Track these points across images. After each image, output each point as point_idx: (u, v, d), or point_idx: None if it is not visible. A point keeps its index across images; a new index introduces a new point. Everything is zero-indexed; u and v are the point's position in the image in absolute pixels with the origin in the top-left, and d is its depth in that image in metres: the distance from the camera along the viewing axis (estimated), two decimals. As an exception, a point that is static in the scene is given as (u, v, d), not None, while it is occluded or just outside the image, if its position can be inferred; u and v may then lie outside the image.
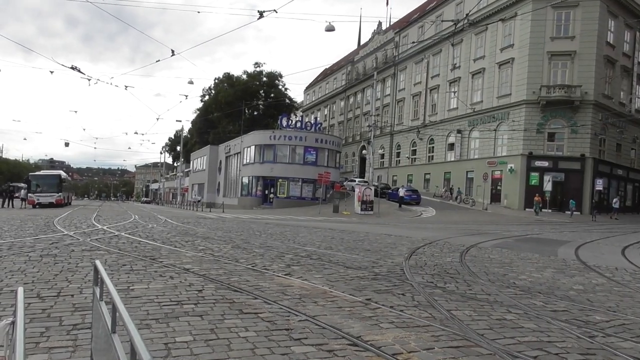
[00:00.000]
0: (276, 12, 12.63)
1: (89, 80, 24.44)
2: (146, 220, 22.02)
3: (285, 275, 7.87)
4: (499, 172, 41.02)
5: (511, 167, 39.31)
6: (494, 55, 42.82)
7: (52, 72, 50.81)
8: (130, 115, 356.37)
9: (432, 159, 51.03)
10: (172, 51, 17.23)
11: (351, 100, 70.27)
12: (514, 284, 8.13)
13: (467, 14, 31.98)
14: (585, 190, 37.80)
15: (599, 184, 37.31)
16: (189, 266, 8.30)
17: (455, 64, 45.93)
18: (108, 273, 7.17)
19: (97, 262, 2.77)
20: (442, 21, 45.50)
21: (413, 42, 50.25)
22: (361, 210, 34.84)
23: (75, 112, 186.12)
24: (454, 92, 45.93)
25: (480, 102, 44.05)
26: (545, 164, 38.46)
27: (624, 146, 43.54)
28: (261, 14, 12.49)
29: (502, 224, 26.81)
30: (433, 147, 50.80)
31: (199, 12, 71.48)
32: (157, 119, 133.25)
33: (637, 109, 44.78)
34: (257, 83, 69.36)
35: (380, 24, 64.75)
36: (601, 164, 39.47)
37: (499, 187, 41.17)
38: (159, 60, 70.69)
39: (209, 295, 6.07)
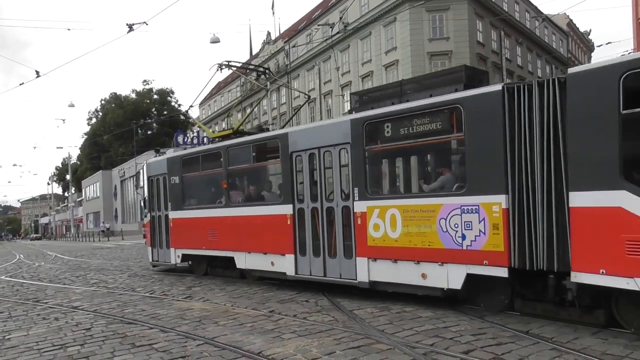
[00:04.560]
0: (147, 24, 12.09)
1: None
2: (33, 259, 20.06)
3: (185, 298, 7.51)
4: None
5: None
6: (380, 58, 44.84)
7: None
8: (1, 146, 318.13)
9: (333, 162, 52.19)
10: (37, 72, 15.67)
11: (247, 111, 69.79)
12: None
13: (340, 18, 33.37)
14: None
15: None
16: (77, 303, 7.62)
17: (338, 68, 47.37)
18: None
19: None
20: (319, 26, 46.70)
21: (296, 45, 51.25)
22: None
23: None
24: (343, 96, 47.47)
25: (372, 103, 45.88)
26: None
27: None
28: (130, 27, 11.84)
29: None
30: (333, 151, 51.96)
31: (69, 29, 66.46)
32: (35, 147, 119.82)
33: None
34: (148, 101, 66.33)
35: (269, 33, 64.97)
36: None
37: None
38: (22, 84, 62.53)
39: (98, 332, 5.58)
